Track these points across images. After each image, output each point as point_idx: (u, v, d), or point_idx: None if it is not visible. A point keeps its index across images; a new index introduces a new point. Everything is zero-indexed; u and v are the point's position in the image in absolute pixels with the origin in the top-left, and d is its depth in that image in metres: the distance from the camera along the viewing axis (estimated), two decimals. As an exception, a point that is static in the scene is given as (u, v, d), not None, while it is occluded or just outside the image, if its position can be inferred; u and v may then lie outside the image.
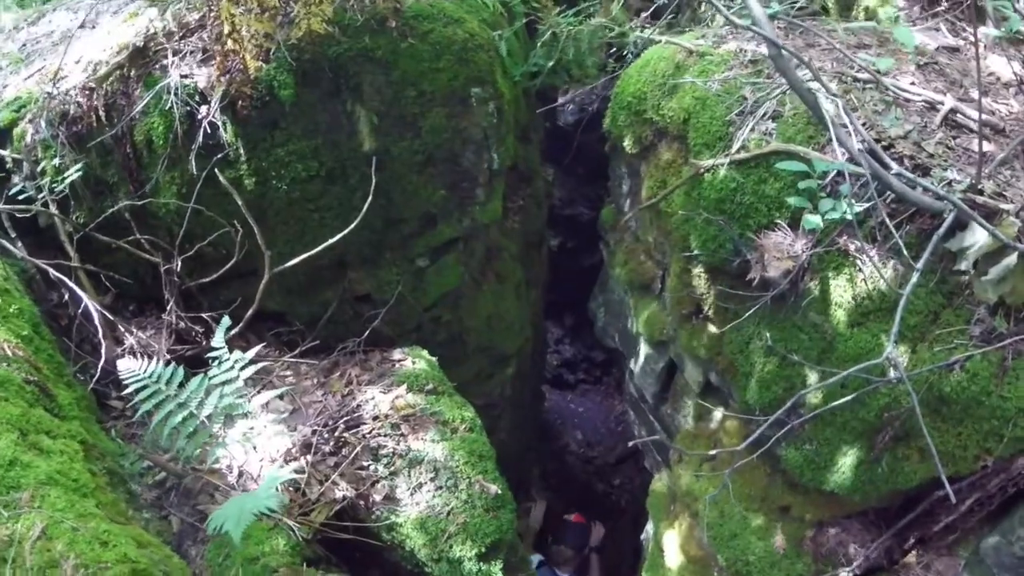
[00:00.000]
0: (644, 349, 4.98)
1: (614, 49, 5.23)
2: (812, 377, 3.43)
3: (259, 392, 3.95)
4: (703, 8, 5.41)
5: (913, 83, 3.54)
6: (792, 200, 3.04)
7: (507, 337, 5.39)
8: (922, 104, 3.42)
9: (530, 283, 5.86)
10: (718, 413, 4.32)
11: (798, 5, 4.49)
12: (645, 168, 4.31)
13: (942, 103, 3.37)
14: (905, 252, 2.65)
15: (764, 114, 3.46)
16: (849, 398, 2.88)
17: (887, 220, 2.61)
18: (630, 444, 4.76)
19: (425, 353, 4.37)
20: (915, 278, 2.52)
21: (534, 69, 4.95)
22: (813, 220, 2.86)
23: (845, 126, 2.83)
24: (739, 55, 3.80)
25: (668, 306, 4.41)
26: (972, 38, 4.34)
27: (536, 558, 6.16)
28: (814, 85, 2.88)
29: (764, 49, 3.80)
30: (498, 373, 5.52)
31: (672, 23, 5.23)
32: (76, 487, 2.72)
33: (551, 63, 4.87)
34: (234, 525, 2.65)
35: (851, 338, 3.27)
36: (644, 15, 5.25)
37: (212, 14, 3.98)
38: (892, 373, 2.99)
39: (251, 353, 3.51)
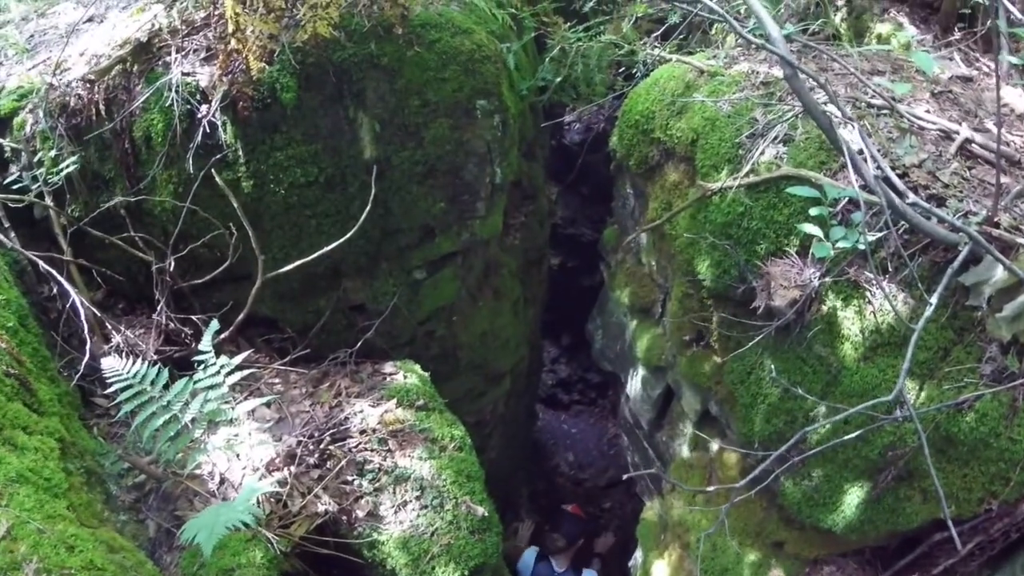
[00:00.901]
0: (642, 374, 4.89)
1: (623, 68, 5.17)
2: (816, 411, 3.34)
3: (245, 399, 3.86)
4: (714, 30, 5.36)
5: (928, 111, 3.48)
6: (803, 227, 2.95)
7: (502, 355, 5.29)
8: (937, 133, 3.35)
9: (528, 301, 5.78)
10: (715, 444, 4.21)
11: (811, 29, 4.44)
12: (650, 189, 4.23)
13: (957, 132, 3.30)
14: (920, 285, 2.56)
15: (775, 137, 3.38)
16: (854, 435, 2.79)
17: (902, 251, 2.52)
18: (624, 477, 4.65)
19: (417, 367, 4.27)
20: (929, 312, 2.43)
21: (541, 84, 4.89)
22: (824, 248, 2.78)
23: (860, 152, 2.74)
24: (751, 76, 3.74)
25: (668, 331, 4.32)
26: (986, 68, 4.29)
27: (533, 550, 6.14)
28: (829, 108, 2.80)
29: (776, 71, 3.73)
30: (491, 391, 5.42)
31: (682, 44, 5.17)
32: (48, 486, 2.64)
33: (559, 79, 4.80)
34: (206, 538, 2.55)
35: (857, 372, 3.18)
36: (654, 35, 5.19)
37: (217, 13, 3.92)
38: (899, 411, 2.90)
39: (238, 359, 3.42)
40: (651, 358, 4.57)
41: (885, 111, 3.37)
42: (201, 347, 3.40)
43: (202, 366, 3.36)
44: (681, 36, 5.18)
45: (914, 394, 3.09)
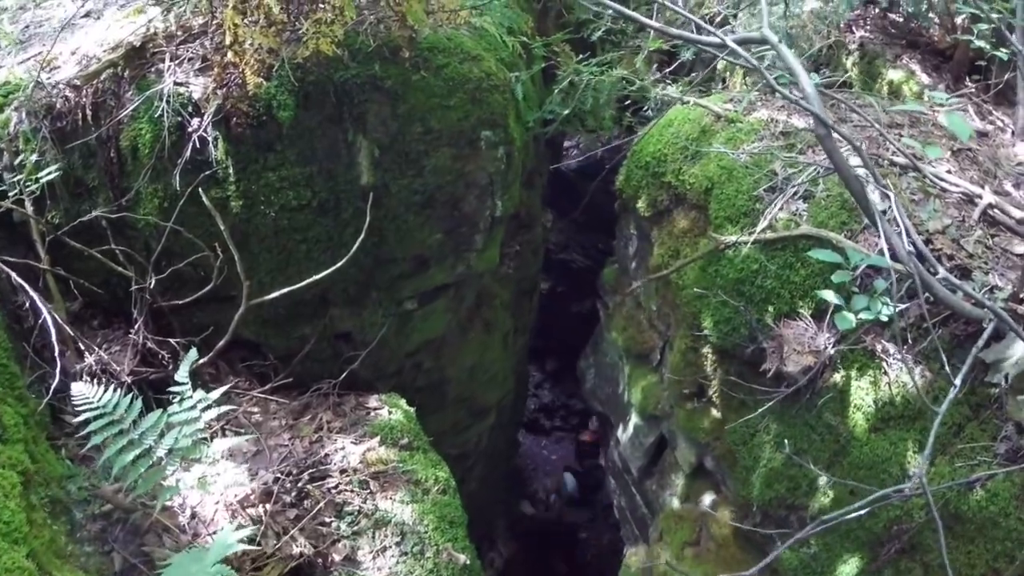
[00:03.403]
0: (635, 420, 4.75)
1: (629, 101, 5.04)
2: (821, 480, 3.21)
3: (222, 428, 3.69)
4: (722, 66, 5.26)
5: (949, 171, 3.37)
6: (823, 294, 2.82)
7: (489, 388, 5.15)
8: (959, 196, 3.24)
9: (518, 331, 5.63)
10: (708, 497, 4.07)
11: (826, 75, 4.35)
12: (656, 233, 4.10)
13: (980, 196, 3.18)
14: (947, 364, 2.43)
15: (795, 193, 3.25)
16: (864, 512, 2.64)
17: (928, 322, 2.40)
18: (624, 552, 4.58)
19: (403, 402, 4.10)
20: (952, 395, 2.30)
21: (548, 116, 4.73)
22: (847, 320, 2.64)
23: (885, 212, 2.62)
24: (770, 125, 3.61)
25: (667, 382, 4.19)
26: (999, 123, 4.19)
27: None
28: (861, 172, 2.67)
29: (796, 120, 3.62)
30: (476, 424, 5.28)
31: (693, 80, 5.05)
32: (7, 531, 2.49)
33: (567, 112, 4.65)
34: (174, 601, 2.37)
35: (867, 444, 3.06)
36: (666, 70, 5.07)
37: (215, 21, 3.75)
38: (907, 488, 2.78)
39: (216, 394, 3.23)
40: (647, 406, 4.43)
41: (910, 172, 3.25)
42: (178, 378, 3.21)
43: (178, 399, 3.17)
44: (690, 71, 5.07)
45: (925, 469, 2.97)
